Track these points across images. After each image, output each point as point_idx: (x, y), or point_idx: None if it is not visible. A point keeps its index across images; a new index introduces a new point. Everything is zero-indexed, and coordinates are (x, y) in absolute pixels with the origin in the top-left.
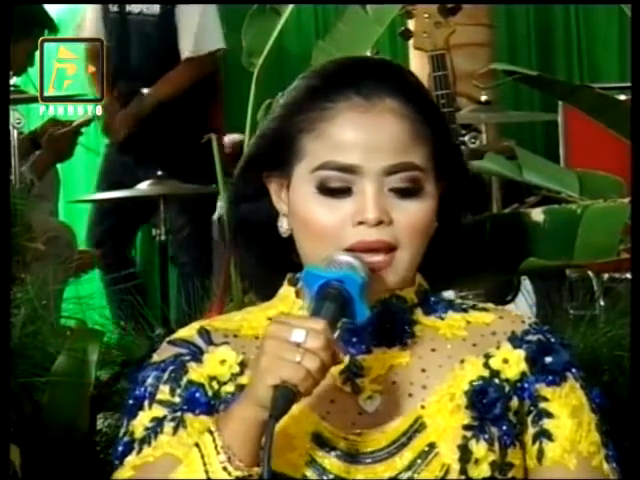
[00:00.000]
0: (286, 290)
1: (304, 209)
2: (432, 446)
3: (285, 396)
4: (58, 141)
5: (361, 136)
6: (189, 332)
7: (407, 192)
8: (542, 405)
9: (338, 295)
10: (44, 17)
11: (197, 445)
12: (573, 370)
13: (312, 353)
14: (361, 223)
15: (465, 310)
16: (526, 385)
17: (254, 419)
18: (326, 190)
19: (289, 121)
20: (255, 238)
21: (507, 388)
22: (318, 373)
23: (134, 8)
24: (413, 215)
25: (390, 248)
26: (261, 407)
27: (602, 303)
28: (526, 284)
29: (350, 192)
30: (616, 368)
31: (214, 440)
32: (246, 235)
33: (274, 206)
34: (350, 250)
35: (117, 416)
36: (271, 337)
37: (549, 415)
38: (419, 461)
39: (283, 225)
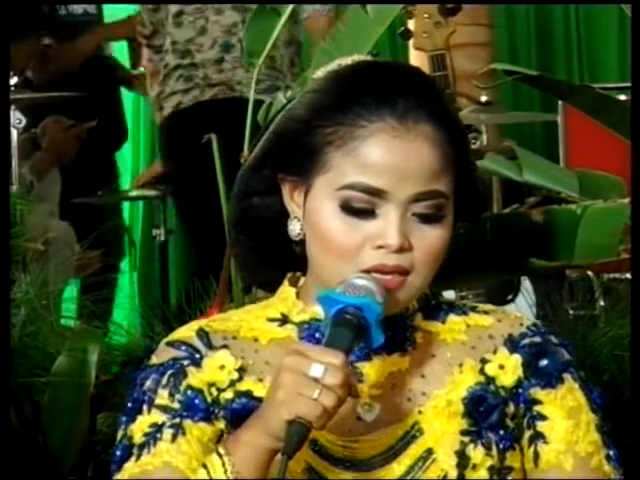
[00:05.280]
0: (286, 290)
1: (324, 224)
2: (429, 452)
3: (299, 433)
4: (59, 144)
5: (392, 161)
6: (187, 333)
7: (430, 218)
8: (536, 408)
9: (356, 323)
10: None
11: (205, 467)
12: (571, 370)
13: (329, 390)
14: (381, 247)
15: (465, 313)
16: (521, 390)
17: (264, 447)
18: (349, 209)
19: (315, 129)
20: (259, 233)
21: (503, 394)
22: (333, 409)
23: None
24: (433, 242)
25: (405, 272)
26: (272, 437)
27: (602, 303)
28: (526, 284)
29: (374, 214)
30: (616, 368)
31: (223, 464)
32: (249, 229)
33: (284, 204)
34: (366, 272)
35: (117, 416)
36: (288, 369)
37: (543, 417)
38: (417, 467)
39: (295, 229)
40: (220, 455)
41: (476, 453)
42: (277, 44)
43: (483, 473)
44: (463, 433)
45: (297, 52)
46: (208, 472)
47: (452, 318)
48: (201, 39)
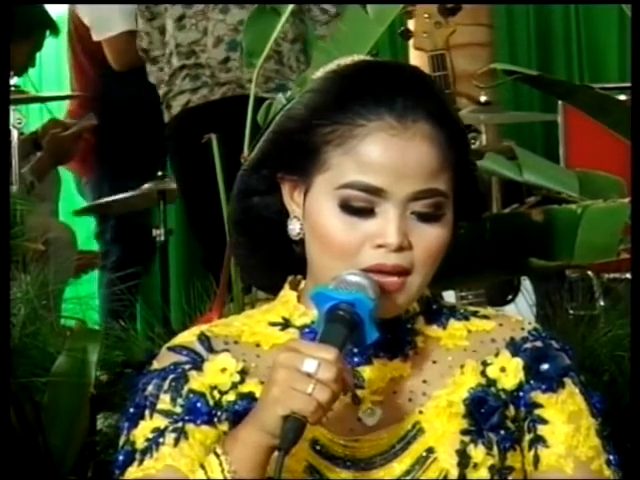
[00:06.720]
0: (287, 294)
1: (323, 223)
2: (430, 451)
3: (295, 428)
4: (60, 144)
5: (391, 160)
6: (189, 338)
7: (429, 217)
8: (537, 412)
9: (349, 319)
10: (45, 17)
11: (203, 467)
12: (572, 375)
13: (323, 384)
14: (381, 246)
15: (467, 318)
16: (521, 394)
17: (260, 445)
18: (349, 208)
19: (314, 129)
20: (259, 233)
21: (503, 397)
22: (328, 404)
23: None
24: (432, 241)
25: (405, 272)
26: (268, 434)
27: (602, 303)
28: (526, 284)
29: (373, 213)
30: (616, 368)
31: (221, 464)
32: (249, 229)
33: (284, 204)
34: (366, 271)
35: (117, 416)
36: (282, 366)
37: (543, 421)
38: (417, 466)
39: (295, 228)
40: (217, 454)
41: (477, 452)
42: (283, 41)
43: (484, 472)
44: (464, 432)
45: (303, 50)
46: (205, 472)
47: (453, 324)
48: (205, 39)
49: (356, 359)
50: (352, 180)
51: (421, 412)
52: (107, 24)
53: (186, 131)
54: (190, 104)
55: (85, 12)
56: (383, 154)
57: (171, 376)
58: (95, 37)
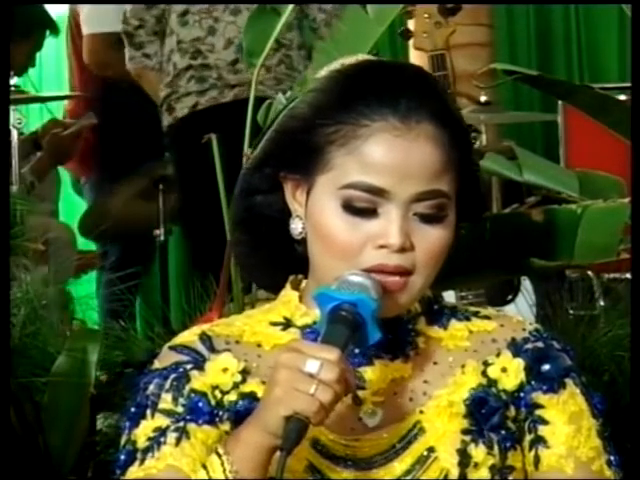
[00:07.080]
0: (288, 294)
1: (326, 223)
2: (431, 450)
3: (297, 428)
4: (60, 144)
5: (394, 161)
6: (190, 337)
7: (431, 218)
8: (538, 412)
9: (351, 320)
10: (45, 17)
11: (204, 467)
12: (573, 376)
13: (326, 385)
14: (383, 247)
15: (468, 318)
16: (522, 394)
17: (262, 445)
18: (351, 209)
19: (317, 128)
20: (260, 232)
21: (504, 397)
22: (331, 405)
23: None
24: (435, 242)
25: (407, 272)
26: (270, 434)
27: (602, 303)
28: (526, 284)
29: (375, 213)
30: (616, 368)
31: (222, 464)
32: (251, 228)
33: (286, 203)
34: (368, 271)
35: (117, 416)
36: (284, 366)
37: (544, 422)
38: (418, 466)
39: (297, 228)
40: (219, 454)
41: (478, 452)
42: (291, 48)
43: (484, 472)
44: (464, 432)
45: (308, 56)
46: (207, 472)
47: (454, 324)
48: (212, 39)
49: (357, 360)
50: (355, 180)
51: (422, 412)
52: (99, 21)
53: (195, 134)
54: (199, 106)
55: (83, 7)
56: (386, 155)
57: (173, 375)
58: (85, 31)
